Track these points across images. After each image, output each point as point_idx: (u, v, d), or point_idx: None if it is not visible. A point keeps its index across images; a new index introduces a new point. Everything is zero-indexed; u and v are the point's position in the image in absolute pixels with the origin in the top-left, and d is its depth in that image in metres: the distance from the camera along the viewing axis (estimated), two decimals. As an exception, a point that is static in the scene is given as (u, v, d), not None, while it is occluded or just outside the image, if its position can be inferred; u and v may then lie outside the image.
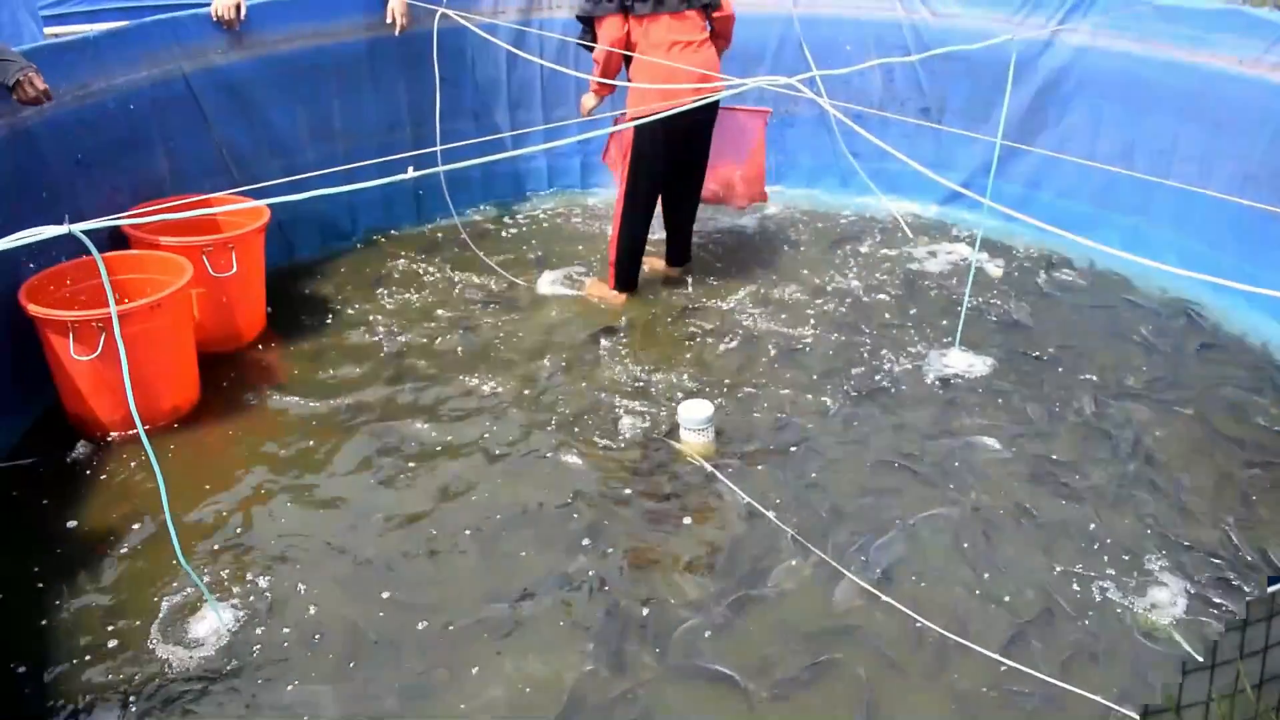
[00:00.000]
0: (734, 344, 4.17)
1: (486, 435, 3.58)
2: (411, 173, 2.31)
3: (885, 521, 3.15)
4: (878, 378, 3.93)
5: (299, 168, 3.96)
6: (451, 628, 2.74)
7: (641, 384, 3.88)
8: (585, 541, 3.06)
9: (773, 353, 4.10)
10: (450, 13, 5.00)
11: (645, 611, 2.78)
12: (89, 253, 3.74)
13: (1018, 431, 3.59)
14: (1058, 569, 2.96)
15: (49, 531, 3.09)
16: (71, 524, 3.12)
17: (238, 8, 4.35)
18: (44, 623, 2.73)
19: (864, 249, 5.12)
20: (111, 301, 2.16)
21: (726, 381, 3.90)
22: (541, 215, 5.53)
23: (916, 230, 5.32)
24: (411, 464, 3.42)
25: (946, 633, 2.67)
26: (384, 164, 5.04)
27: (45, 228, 1.79)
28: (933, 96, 5.45)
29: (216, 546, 3.03)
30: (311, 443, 3.55)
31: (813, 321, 4.38)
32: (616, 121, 4.65)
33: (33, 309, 3.34)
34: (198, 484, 3.33)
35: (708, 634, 2.72)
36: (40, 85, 3.48)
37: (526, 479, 3.36)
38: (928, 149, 5.45)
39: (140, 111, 4.09)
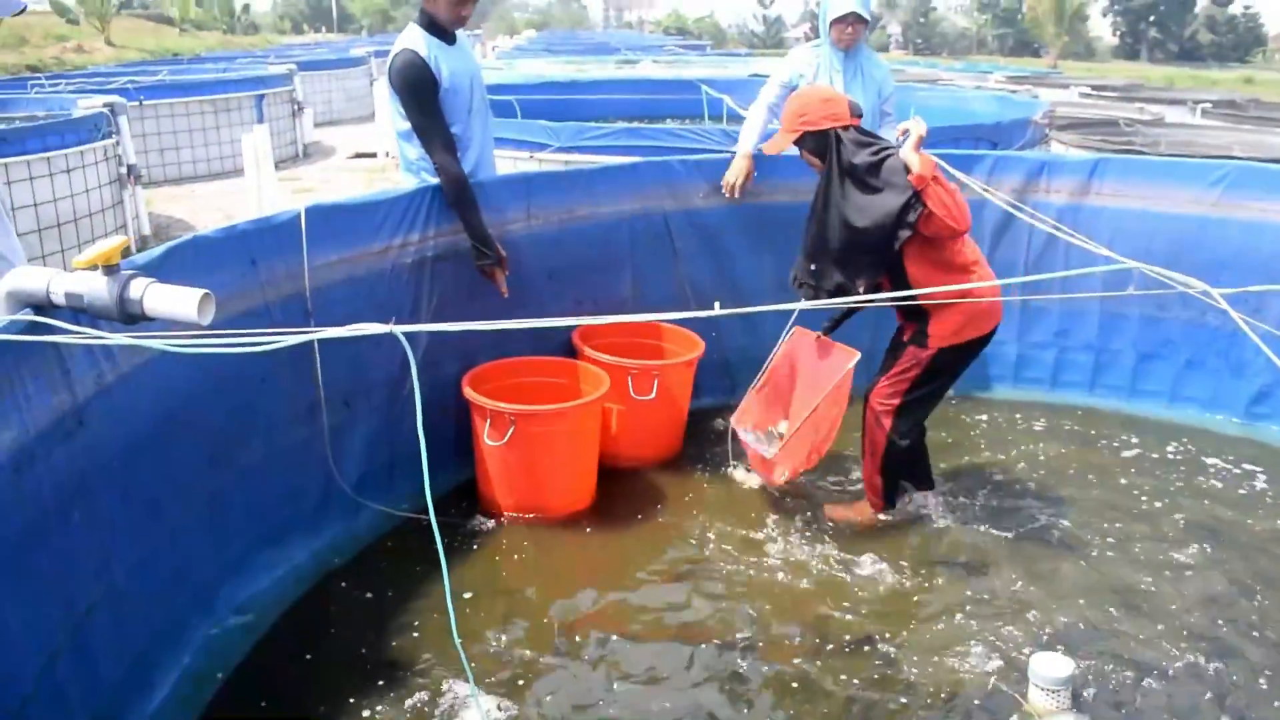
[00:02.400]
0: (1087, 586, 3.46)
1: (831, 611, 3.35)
2: (717, 309, 2.31)
3: None
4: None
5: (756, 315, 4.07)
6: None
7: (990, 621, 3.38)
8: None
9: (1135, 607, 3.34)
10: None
11: None
12: (542, 353, 4.22)
13: None
14: None
15: (404, 581, 3.45)
16: (424, 581, 3.44)
17: (748, 178, 4.68)
18: (363, 651, 3.06)
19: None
20: (416, 390, 2.26)
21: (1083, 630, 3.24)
22: (1000, 419, 4.99)
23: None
24: (725, 637, 3.29)
25: None
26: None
27: (371, 324, 2.04)
28: None
29: (532, 650, 3.14)
30: (669, 573, 3.60)
31: (1189, 575, 3.58)
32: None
33: (467, 392, 3.81)
34: (551, 581, 3.53)
35: None
36: (500, 280, 3.98)
37: (848, 666, 3.08)
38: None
39: (616, 238, 4.55)
